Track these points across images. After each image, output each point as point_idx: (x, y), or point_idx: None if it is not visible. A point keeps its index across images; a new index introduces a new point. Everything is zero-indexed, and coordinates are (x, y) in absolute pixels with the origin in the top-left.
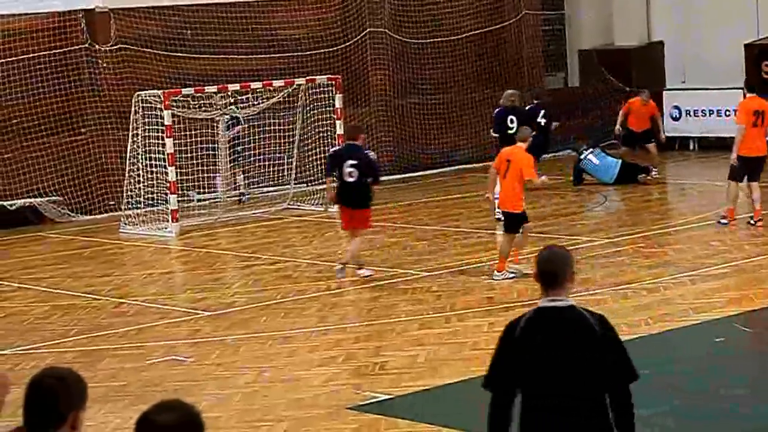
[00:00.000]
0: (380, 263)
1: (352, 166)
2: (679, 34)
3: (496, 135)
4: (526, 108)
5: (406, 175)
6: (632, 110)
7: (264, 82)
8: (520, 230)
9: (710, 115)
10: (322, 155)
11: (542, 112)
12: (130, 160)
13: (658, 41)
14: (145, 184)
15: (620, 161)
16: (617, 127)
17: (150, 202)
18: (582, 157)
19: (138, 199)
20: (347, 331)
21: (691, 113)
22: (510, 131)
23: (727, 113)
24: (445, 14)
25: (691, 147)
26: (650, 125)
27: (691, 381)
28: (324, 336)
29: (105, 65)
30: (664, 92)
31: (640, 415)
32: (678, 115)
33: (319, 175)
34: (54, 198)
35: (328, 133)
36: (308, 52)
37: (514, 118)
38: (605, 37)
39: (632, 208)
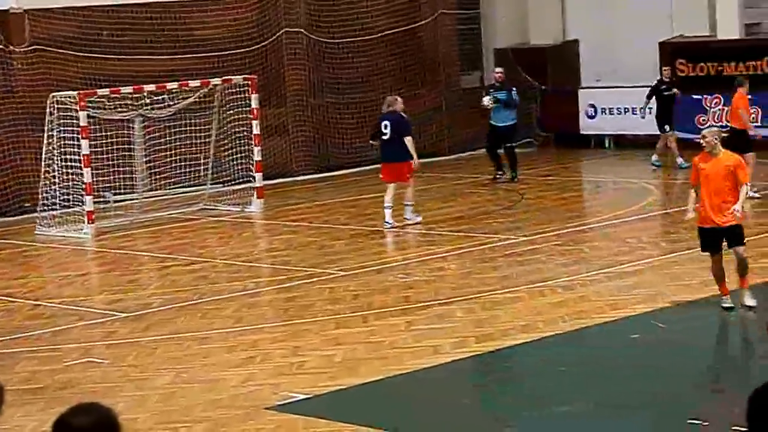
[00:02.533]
0: (297, 263)
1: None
2: (594, 32)
3: (373, 142)
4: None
5: (323, 174)
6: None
7: (180, 83)
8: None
9: (625, 113)
10: (239, 155)
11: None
12: (45, 161)
13: (573, 40)
14: (61, 185)
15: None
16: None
17: (66, 203)
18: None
19: (54, 200)
20: (264, 332)
21: (607, 111)
22: (384, 137)
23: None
24: (361, 14)
25: (607, 145)
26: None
27: (607, 377)
28: (241, 336)
29: (19, 66)
30: (580, 90)
31: (557, 411)
32: (593, 114)
33: (236, 175)
34: None
35: (245, 133)
36: (224, 53)
37: (387, 124)
38: (521, 36)
39: (548, 206)
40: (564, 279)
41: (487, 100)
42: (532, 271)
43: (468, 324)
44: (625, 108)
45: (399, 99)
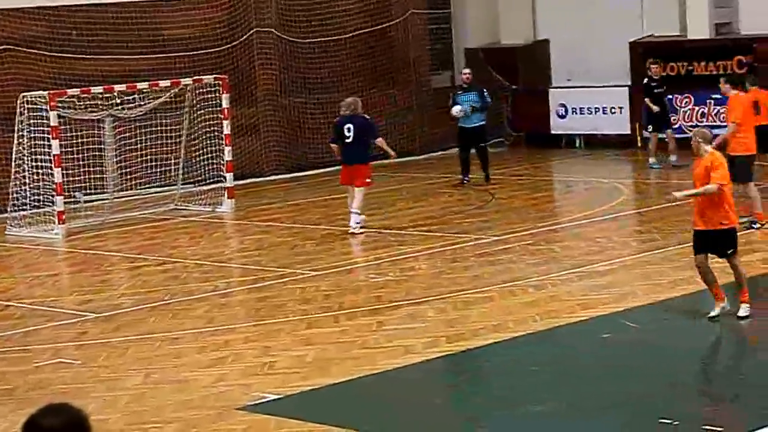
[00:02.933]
0: (268, 263)
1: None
2: (565, 32)
3: (334, 145)
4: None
5: (294, 174)
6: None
7: (150, 83)
8: None
9: (596, 113)
10: (210, 155)
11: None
12: (15, 161)
13: (543, 40)
14: (31, 185)
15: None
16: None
17: (36, 204)
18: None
19: (24, 201)
20: (236, 332)
21: (577, 111)
22: (347, 140)
23: (613, 111)
24: (332, 14)
25: (578, 144)
26: None
27: (578, 377)
28: (212, 337)
29: None
30: (550, 90)
31: (529, 411)
32: (564, 113)
33: (207, 175)
34: None
35: (216, 133)
36: (195, 52)
37: (351, 127)
38: (491, 36)
39: (519, 206)
40: (535, 279)
41: (457, 111)
42: (504, 271)
43: (439, 324)
44: (595, 108)
45: (359, 101)
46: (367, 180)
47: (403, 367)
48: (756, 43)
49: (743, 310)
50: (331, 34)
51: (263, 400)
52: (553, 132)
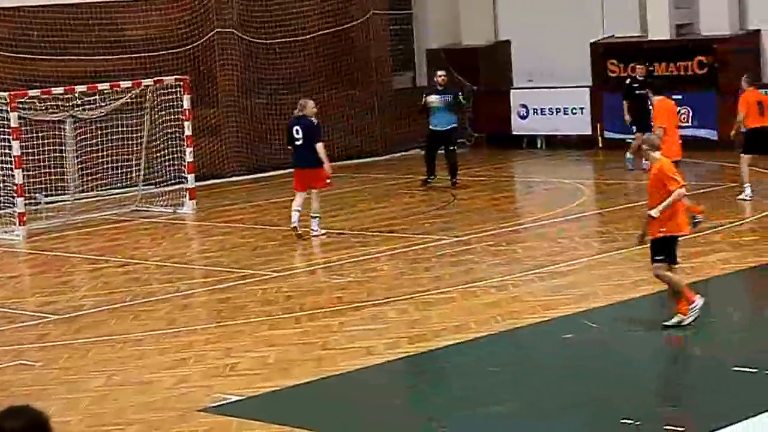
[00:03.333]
0: (230, 264)
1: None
2: (526, 33)
3: (289, 147)
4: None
5: (256, 175)
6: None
7: (111, 84)
8: None
9: (557, 113)
10: (171, 156)
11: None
12: None
13: (504, 40)
14: None
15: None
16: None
17: None
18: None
19: None
20: (197, 333)
21: (539, 111)
22: (297, 142)
23: (574, 111)
24: (293, 14)
25: (539, 145)
26: None
27: (539, 377)
28: (174, 338)
29: None
30: (512, 91)
31: (490, 411)
32: (525, 114)
33: (168, 176)
34: None
35: (177, 134)
36: (156, 53)
37: (299, 129)
38: (453, 37)
39: (481, 207)
40: (497, 279)
41: (434, 98)
42: (465, 272)
43: (401, 325)
44: (556, 108)
45: (310, 103)
46: (327, 181)
47: (364, 368)
48: (716, 44)
49: (674, 319)
50: (292, 34)
51: (225, 402)
52: (514, 133)
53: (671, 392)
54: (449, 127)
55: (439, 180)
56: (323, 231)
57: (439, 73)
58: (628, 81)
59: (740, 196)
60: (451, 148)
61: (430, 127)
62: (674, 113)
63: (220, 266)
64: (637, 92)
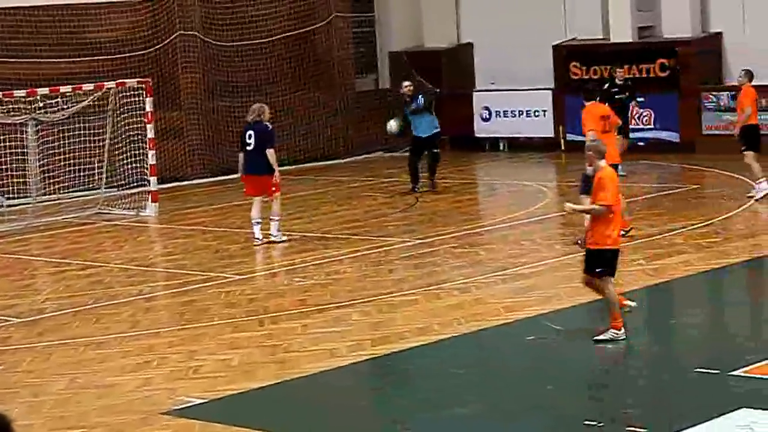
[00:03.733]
0: (192, 267)
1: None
2: (489, 35)
3: (241, 152)
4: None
5: (219, 178)
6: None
7: (74, 86)
8: None
9: (520, 115)
10: (134, 159)
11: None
12: None
13: (467, 43)
14: None
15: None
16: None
17: None
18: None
19: None
20: (160, 336)
21: (501, 114)
22: (248, 147)
23: (536, 114)
24: (256, 17)
25: (501, 147)
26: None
27: (503, 379)
28: (137, 341)
29: None
30: (474, 93)
31: (454, 413)
32: (488, 116)
33: (131, 179)
34: None
35: (139, 137)
36: (119, 55)
37: (252, 134)
38: (415, 40)
39: (444, 209)
40: (460, 282)
41: (393, 125)
42: (428, 274)
43: (364, 327)
44: (519, 111)
45: (266, 108)
46: (272, 189)
47: (328, 371)
48: (678, 47)
49: (606, 334)
50: (255, 37)
51: (188, 405)
52: (477, 135)
53: (634, 394)
54: (433, 132)
55: (403, 183)
56: (284, 237)
57: (405, 84)
58: (606, 85)
59: (759, 194)
60: (435, 150)
61: (414, 134)
62: (600, 118)
63: (183, 269)
64: (617, 96)
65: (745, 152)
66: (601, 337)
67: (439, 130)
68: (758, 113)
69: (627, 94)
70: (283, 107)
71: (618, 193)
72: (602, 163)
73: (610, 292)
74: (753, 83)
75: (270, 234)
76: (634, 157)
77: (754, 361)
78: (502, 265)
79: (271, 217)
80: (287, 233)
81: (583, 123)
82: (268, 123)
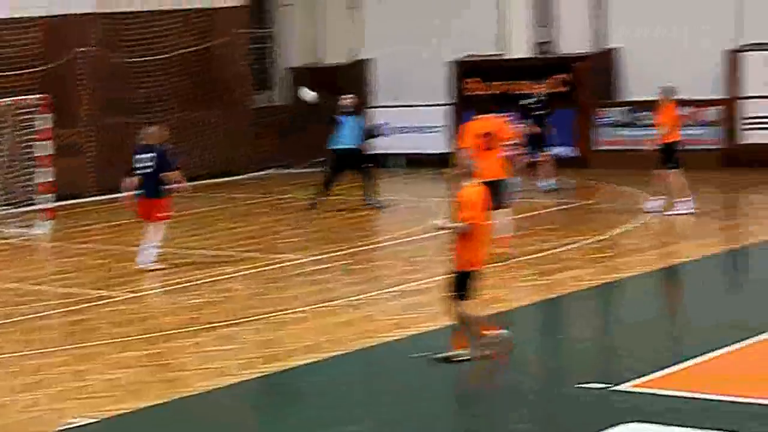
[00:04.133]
0: (85, 285)
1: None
2: (387, 51)
3: (133, 178)
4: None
5: (115, 195)
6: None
7: None
8: None
9: (417, 131)
10: (29, 176)
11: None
12: None
13: (366, 59)
14: None
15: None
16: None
17: None
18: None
19: None
20: (50, 356)
21: (399, 130)
22: (147, 170)
23: (434, 130)
24: (155, 33)
25: (397, 163)
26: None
27: (392, 396)
28: (26, 361)
29: None
30: (373, 110)
31: (343, 431)
32: (387, 132)
33: (26, 196)
34: None
35: (36, 154)
36: (15, 72)
37: (153, 156)
38: (314, 55)
39: (339, 225)
40: (352, 298)
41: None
42: (320, 291)
43: (255, 345)
44: (417, 126)
45: (163, 132)
46: (161, 215)
47: (217, 389)
48: (575, 62)
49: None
50: (153, 53)
51: (77, 425)
52: (375, 151)
53: (520, 410)
54: (354, 146)
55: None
56: (162, 266)
57: (347, 96)
58: (526, 101)
59: (679, 210)
60: (371, 165)
61: (338, 146)
62: (477, 136)
63: (75, 287)
64: (535, 113)
65: (670, 170)
66: (442, 355)
67: (360, 146)
68: (654, 128)
69: (548, 109)
70: (180, 123)
71: (483, 212)
72: (466, 182)
73: (465, 314)
74: (647, 98)
75: (145, 262)
76: (532, 173)
77: (640, 375)
78: (395, 281)
79: (153, 243)
80: (183, 248)
81: (458, 137)
82: (163, 146)
